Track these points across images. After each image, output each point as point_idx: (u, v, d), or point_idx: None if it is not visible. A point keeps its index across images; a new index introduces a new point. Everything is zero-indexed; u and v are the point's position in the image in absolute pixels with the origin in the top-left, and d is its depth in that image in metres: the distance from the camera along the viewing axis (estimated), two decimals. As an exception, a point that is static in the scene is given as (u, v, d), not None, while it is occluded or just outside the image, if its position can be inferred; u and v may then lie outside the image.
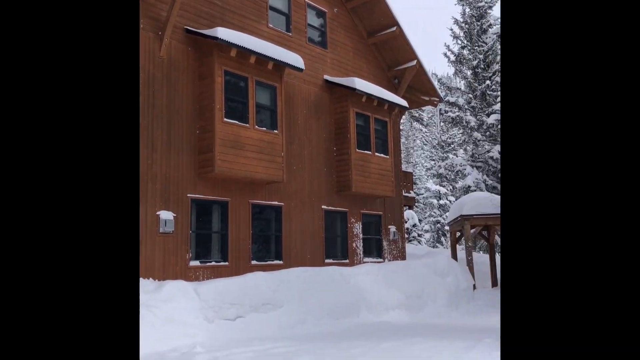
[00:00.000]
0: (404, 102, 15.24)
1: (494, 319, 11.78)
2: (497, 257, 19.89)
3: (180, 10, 10.57)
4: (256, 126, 11.27)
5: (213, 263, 10.70)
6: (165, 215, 9.90)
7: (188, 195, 10.38)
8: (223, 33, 10.50)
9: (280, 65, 11.77)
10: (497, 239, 22.32)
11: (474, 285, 15.29)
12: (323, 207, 13.45)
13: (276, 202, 12.23)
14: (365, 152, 14.09)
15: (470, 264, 15.76)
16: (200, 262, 10.47)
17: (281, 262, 12.02)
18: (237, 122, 10.87)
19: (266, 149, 11.34)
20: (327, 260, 13.21)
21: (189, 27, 10.85)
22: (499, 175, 20.67)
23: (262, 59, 11.27)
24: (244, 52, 10.93)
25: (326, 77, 14.05)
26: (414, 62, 15.67)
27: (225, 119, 10.64)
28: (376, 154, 14.41)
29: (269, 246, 12.12)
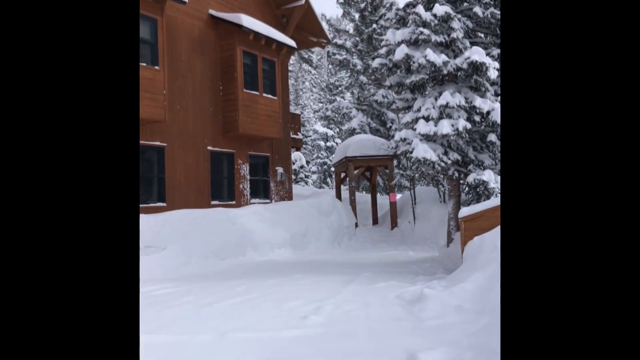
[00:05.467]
0: (292, 42, 15.06)
1: (374, 255, 12.54)
2: (378, 196, 20.95)
3: None
4: (135, 61, 10.58)
5: (90, 206, 10.15)
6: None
7: (59, 134, 9.63)
8: (94, -44, 9.55)
9: (160, -4, 11.02)
10: (379, 179, 23.43)
11: (356, 224, 16.07)
12: (209, 148, 13.18)
13: (158, 143, 11.76)
14: (253, 92, 13.86)
15: (353, 203, 16.46)
16: (76, 205, 9.89)
17: (164, 204, 11.71)
18: (113, 56, 10.12)
19: (146, 85, 10.74)
20: (213, 202, 13.09)
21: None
22: (382, 118, 21.47)
23: (140, -12, 10.47)
24: (120, -21, 10.06)
25: (211, 11, 13.42)
26: (303, 1, 15.43)
27: (99, 52, 9.85)
28: (264, 94, 14.24)
29: (151, 188, 11.72)
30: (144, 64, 10.77)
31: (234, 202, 13.69)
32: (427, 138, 10.23)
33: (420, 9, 10.50)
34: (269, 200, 15.02)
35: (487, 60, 10.20)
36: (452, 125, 10.00)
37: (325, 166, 31.03)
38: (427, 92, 10.94)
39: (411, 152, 10.06)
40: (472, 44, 11.03)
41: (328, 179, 31.73)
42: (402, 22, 11.60)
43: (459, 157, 10.44)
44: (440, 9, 10.39)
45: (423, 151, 9.86)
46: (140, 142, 11.28)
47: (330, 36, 19.61)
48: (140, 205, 11.09)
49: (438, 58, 10.21)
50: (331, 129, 31.57)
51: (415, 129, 10.31)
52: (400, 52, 10.54)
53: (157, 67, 11.04)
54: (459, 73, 10.50)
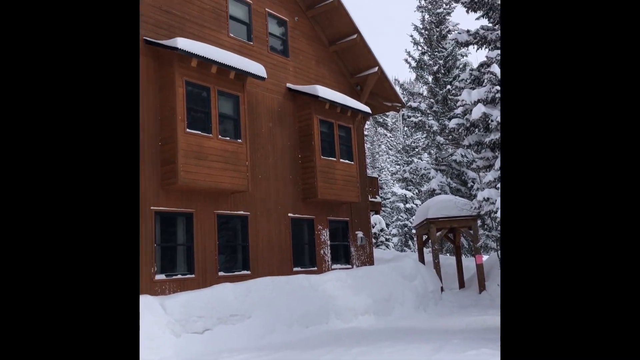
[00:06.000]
0: (366, 109, 15.38)
1: (462, 320, 11.96)
2: (463, 258, 20.21)
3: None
4: (219, 136, 11.20)
5: (179, 276, 10.54)
6: (129, 229, 9.70)
7: (151, 208, 10.21)
8: (183, 43, 10.42)
9: (242, 75, 11.74)
10: (463, 240, 22.68)
11: (442, 287, 15.50)
12: (289, 215, 13.43)
13: (242, 212, 12.16)
14: (330, 158, 14.15)
15: (437, 266, 15.96)
16: (166, 275, 10.31)
17: (249, 272, 11.93)
18: (199, 132, 10.78)
19: (230, 158, 11.28)
20: (295, 269, 13.18)
21: (148, 38, 10.73)
22: (463, 178, 21.06)
23: (224, 68, 11.23)
24: (205, 62, 10.86)
25: (289, 85, 14.08)
26: (376, 69, 15.85)
27: (187, 130, 10.54)
28: (341, 160, 14.49)
29: (236, 256, 12.02)
30: (228, 138, 11.36)
31: (315, 268, 13.71)
32: (512, 196, 9.90)
33: (495, 67, 10.45)
34: (350, 265, 14.92)
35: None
36: (538, 182, 9.63)
37: (405, 228, 30.54)
38: (508, 150, 10.68)
39: (496, 212, 9.73)
40: (553, 98, 10.77)
41: (409, 242, 31.12)
42: (477, 81, 11.57)
43: (548, 215, 9.97)
44: (515, 66, 10.30)
45: (508, 210, 9.51)
46: (225, 212, 11.72)
47: (404, 99, 19.85)
48: (226, 274, 11.37)
49: (517, 114, 10.02)
50: (410, 190, 31.30)
51: (498, 188, 10.01)
52: (477, 111, 10.44)
53: (239, 140, 11.60)
54: (540, 128, 10.23)
